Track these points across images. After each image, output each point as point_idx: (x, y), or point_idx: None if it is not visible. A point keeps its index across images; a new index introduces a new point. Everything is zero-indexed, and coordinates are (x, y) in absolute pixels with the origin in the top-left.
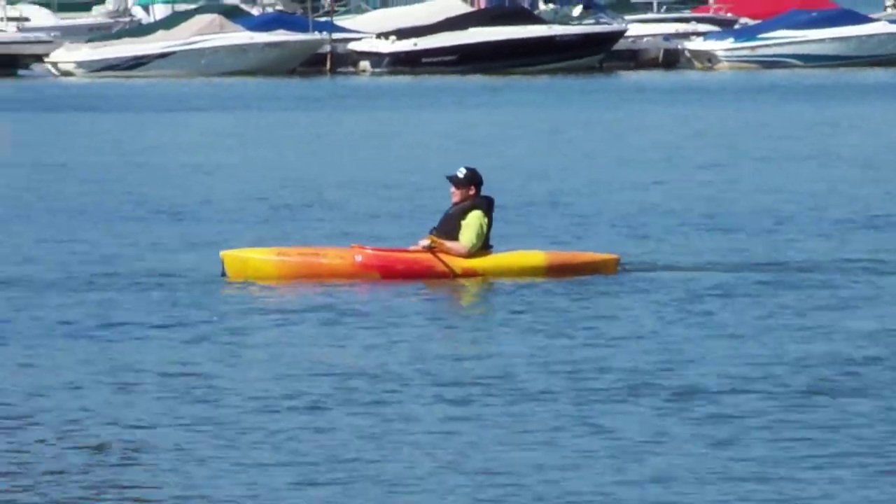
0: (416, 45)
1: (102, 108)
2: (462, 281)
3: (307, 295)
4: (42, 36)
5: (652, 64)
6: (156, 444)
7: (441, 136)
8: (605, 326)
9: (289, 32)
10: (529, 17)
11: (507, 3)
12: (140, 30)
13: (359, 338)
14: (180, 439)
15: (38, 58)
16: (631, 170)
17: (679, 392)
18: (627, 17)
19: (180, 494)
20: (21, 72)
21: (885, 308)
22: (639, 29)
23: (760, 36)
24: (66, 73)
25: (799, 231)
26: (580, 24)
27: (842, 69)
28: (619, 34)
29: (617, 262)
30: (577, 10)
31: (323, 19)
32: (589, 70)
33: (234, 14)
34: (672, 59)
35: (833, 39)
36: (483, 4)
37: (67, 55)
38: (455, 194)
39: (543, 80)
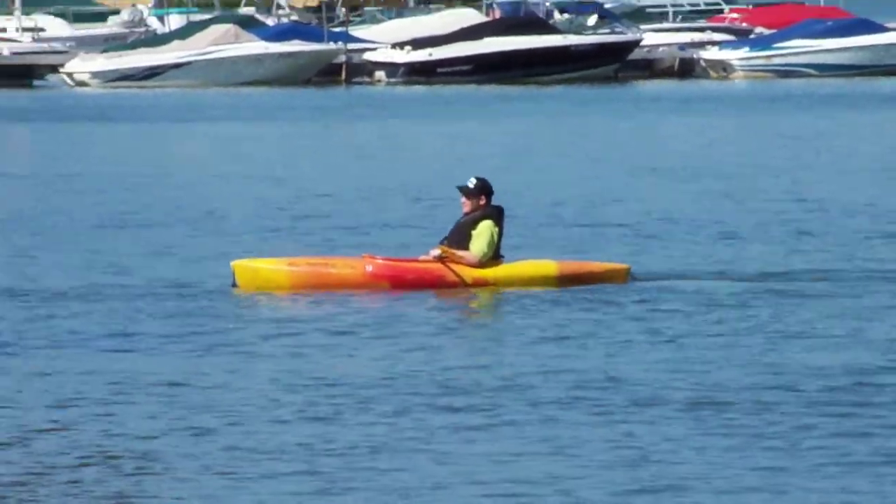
0: (431, 55)
1: (117, 118)
2: (473, 291)
3: (318, 305)
4: (57, 46)
5: (667, 73)
6: (168, 454)
7: (456, 145)
8: (616, 336)
9: (304, 43)
10: (544, 27)
11: (522, 13)
12: (155, 40)
13: (369, 348)
14: (193, 449)
15: (54, 68)
16: (645, 179)
17: (692, 402)
18: (643, 27)
19: None
20: (36, 82)
21: None
22: (654, 38)
23: (776, 45)
24: (81, 84)
25: (814, 240)
26: (595, 33)
27: (857, 78)
28: (635, 44)
29: (628, 271)
30: (592, 20)
31: (338, 29)
32: (604, 79)
33: (249, 24)
34: (687, 69)
35: (848, 49)
36: (498, 14)
37: (83, 65)
38: (465, 204)
39: (559, 89)
